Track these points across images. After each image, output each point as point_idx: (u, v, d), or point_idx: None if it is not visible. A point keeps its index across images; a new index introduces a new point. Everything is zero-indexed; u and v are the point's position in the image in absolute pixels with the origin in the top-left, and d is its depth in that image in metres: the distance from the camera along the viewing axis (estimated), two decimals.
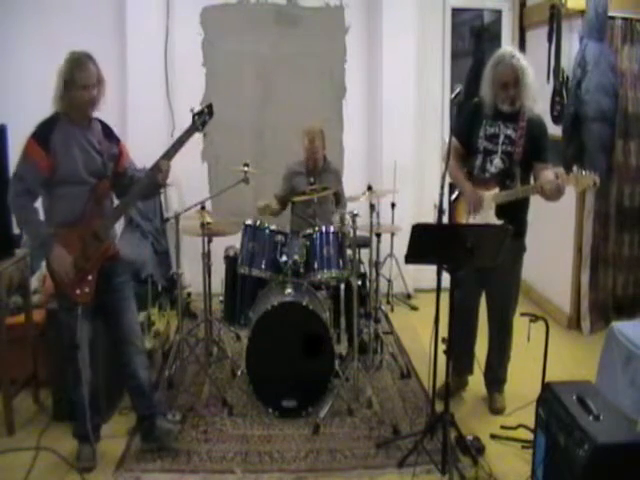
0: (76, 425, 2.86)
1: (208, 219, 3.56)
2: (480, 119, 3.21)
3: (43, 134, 2.61)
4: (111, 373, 3.12)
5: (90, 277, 2.71)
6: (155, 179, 2.74)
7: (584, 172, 2.89)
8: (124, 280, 2.91)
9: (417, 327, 4.54)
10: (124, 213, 2.94)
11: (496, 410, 3.33)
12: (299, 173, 4.18)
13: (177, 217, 3.54)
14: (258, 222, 3.58)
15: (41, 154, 2.58)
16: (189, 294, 4.90)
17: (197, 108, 2.87)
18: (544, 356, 2.87)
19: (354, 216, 3.38)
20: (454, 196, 3.35)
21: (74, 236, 2.67)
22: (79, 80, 2.62)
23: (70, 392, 2.81)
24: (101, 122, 2.83)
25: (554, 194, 2.94)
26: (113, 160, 2.82)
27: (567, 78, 4.35)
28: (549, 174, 3.03)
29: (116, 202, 2.91)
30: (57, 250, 2.62)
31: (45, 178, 2.61)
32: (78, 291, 2.68)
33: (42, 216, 2.73)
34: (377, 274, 4.20)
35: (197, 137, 5.30)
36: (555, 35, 4.42)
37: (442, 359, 2.83)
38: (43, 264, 3.85)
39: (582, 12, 4.14)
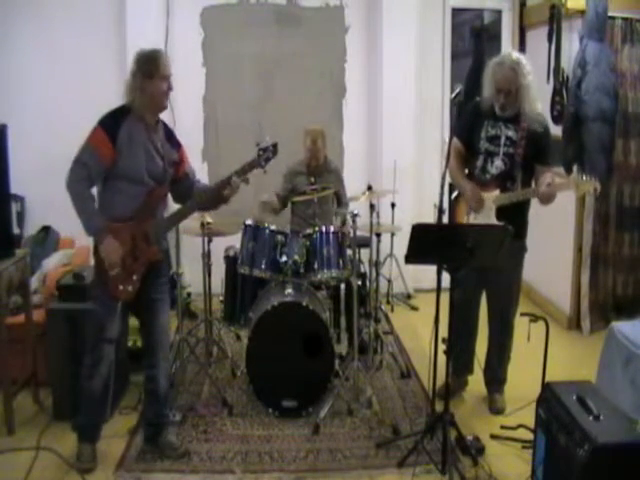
0: (78, 418, 2.83)
1: (208, 219, 3.56)
2: (481, 120, 3.20)
3: (112, 124, 2.58)
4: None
5: (135, 277, 2.70)
6: (221, 194, 2.74)
7: (585, 177, 2.89)
8: (165, 281, 2.90)
9: (417, 327, 4.54)
10: (180, 221, 2.93)
11: (496, 410, 3.33)
12: (300, 173, 4.18)
13: None
14: (258, 222, 3.58)
15: (107, 144, 2.55)
16: (189, 294, 4.90)
17: (263, 144, 2.84)
18: (544, 356, 2.88)
19: (354, 216, 3.38)
20: (454, 195, 3.35)
21: (126, 233, 2.66)
22: (163, 70, 2.63)
23: (81, 381, 2.77)
24: (165, 124, 2.81)
25: (547, 199, 2.98)
26: (172, 166, 2.80)
27: (567, 78, 4.35)
28: (547, 178, 3.04)
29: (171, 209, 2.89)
30: (109, 240, 2.59)
31: (107, 168, 2.58)
32: (121, 287, 2.67)
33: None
34: (377, 274, 4.20)
35: (196, 138, 5.31)
36: (555, 35, 4.42)
37: (442, 359, 2.83)
38: (43, 263, 3.86)
39: (582, 12, 4.14)
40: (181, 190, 2.87)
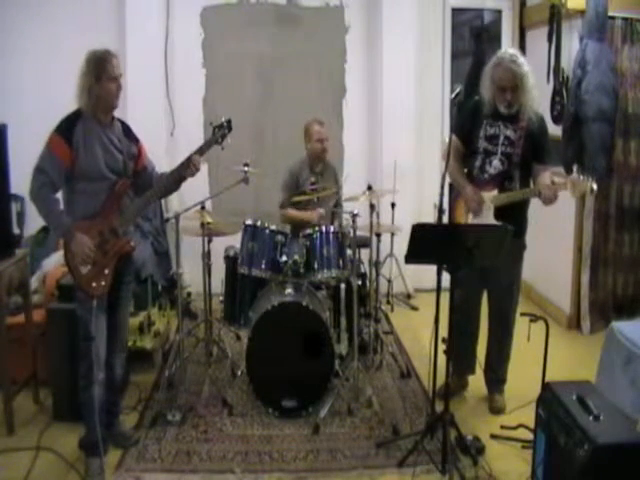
0: (84, 436, 2.79)
1: (208, 219, 3.56)
2: (480, 119, 3.20)
3: (66, 128, 2.64)
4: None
5: (107, 271, 2.73)
6: (182, 175, 2.83)
7: (582, 177, 2.86)
8: (130, 280, 2.96)
9: (417, 327, 4.54)
10: (145, 208, 3.00)
11: (496, 410, 3.33)
12: (303, 170, 4.09)
13: (177, 217, 3.53)
14: (258, 222, 3.58)
15: (64, 147, 2.61)
16: (189, 294, 4.90)
17: (217, 122, 2.94)
18: (544, 356, 2.88)
19: (354, 216, 3.38)
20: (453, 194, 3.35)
21: (93, 230, 2.70)
22: (111, 71, 2.66)
23: (81, 395, 2.74)
24: (121, 121, 2.86)
25: (550, 199, 2.96)
26: (133, 159, 2.85)
27: (567, 78, 4.35)
28: (546, 178, 3.03)
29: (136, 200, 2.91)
30: (79, 236, 2.64)
31: (67, 171, 2.64)
32: (94, 284, 2.70)
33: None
34: (377, 274, 4.20)
35: (196, 138, 5.33)
36: (555, 35, 4.42)
37: (442, 359, 2.83)
38: (43, 263, 3.86)
39: (582, 12, 4.13)
40: (142, 182, 2.92)
